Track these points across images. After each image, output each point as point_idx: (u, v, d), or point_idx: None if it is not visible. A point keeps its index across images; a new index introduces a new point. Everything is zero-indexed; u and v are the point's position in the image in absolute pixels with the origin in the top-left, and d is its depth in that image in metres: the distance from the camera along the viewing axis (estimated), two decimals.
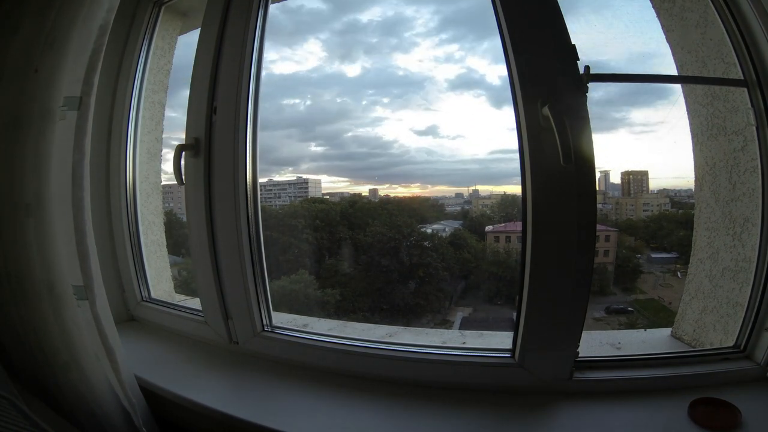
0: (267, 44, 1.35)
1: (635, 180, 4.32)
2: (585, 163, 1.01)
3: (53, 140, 1.04)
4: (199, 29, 1.38)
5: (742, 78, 1.12)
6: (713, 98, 1.24)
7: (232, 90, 1.30)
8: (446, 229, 4.89)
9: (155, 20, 1.69)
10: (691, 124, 1.32)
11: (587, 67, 1.02)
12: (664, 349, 1.31)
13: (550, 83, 1.02)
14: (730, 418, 0.97)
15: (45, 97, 1.05)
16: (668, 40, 1.31)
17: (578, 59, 1.02)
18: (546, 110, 0.99)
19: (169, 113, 1.83)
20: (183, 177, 1.36)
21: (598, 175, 1.08)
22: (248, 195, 1.33)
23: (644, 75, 1.23)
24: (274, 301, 1.42)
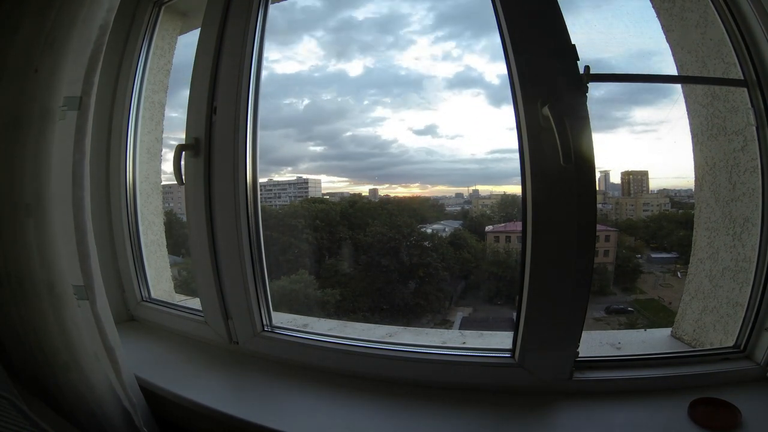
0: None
1: (635, 180, 4.31)
2: (585, 163, 1.01)
3: (53, 140, 1.04)
4: (199, 29, 1.38)
5: (742, 78, 1.12)
6: (713, 98, 1.24)
7: (232, 90, 1.30)
8: (446, 229, 4.88)
9: (155, 20, 1.69)
10: (691, 124, 1.32)
11: (587, 67, 1.02)
12: (664, 349, 1.31)
13: (550, 83, 1.02)
14: (730, 418, 0.97)
15: (45, 97, 1.05)
16: (668, 40, 1.31)
17: (578, 59, 1.02)
18: (546, 110, 0.99)
19: (169, 113, 1.83)
20: (183, 177, 1.36)
21: (598, 175, 1.08)
22: (248, 195, 1.33)
23: (644, 75, 1.22)
24: (274, 301, 1.42)
